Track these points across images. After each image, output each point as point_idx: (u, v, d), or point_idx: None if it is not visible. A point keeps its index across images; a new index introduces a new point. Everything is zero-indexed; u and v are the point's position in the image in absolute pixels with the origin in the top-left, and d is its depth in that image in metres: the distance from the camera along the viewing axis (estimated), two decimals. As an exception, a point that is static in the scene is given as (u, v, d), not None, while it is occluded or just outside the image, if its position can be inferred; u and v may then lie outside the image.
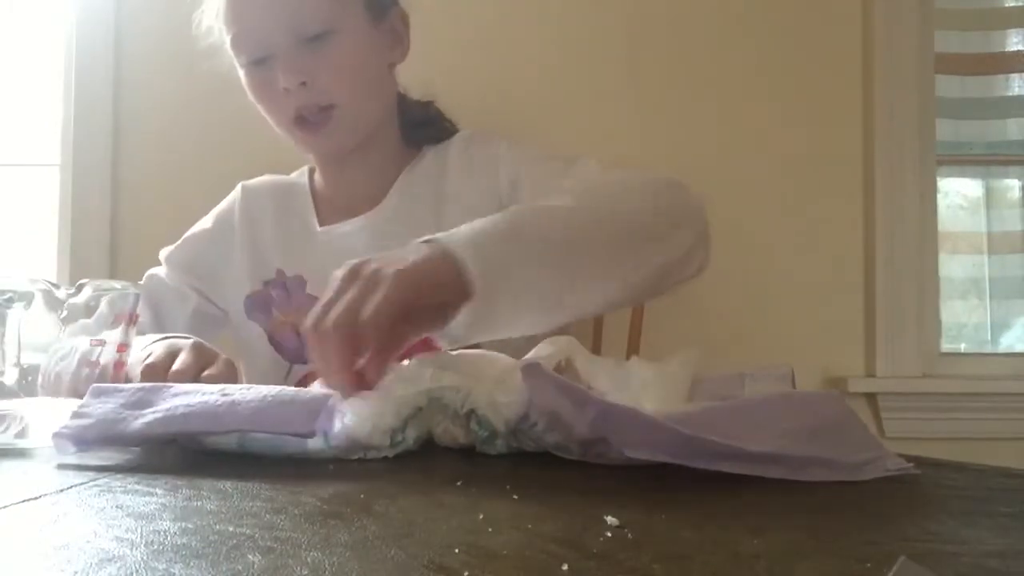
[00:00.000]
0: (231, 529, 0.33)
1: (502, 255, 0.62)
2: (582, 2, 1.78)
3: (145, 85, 1.75)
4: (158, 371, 0.74)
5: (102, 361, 0.63)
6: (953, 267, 1.86)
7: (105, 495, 0.40)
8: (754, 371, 0.64)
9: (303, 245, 1.03)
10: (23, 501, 0.39)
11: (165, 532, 0.32)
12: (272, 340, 1.02)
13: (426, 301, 0.59)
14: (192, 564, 0.28)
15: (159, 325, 1.02)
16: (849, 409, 0.53)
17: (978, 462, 0.53)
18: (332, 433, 0.51)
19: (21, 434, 0.57)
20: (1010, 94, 1.86)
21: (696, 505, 0.40)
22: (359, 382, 0.55)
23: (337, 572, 0.28)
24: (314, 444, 0.51)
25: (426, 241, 0.62)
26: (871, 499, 0.42)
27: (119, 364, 0.65)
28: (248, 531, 0.33)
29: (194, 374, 0.74)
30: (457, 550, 0.30)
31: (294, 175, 1.12)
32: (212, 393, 0.53)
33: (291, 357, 1.01)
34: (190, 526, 0.34)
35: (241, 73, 0.97)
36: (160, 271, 1.08)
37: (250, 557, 0.29)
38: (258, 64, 0.95)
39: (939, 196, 1.83)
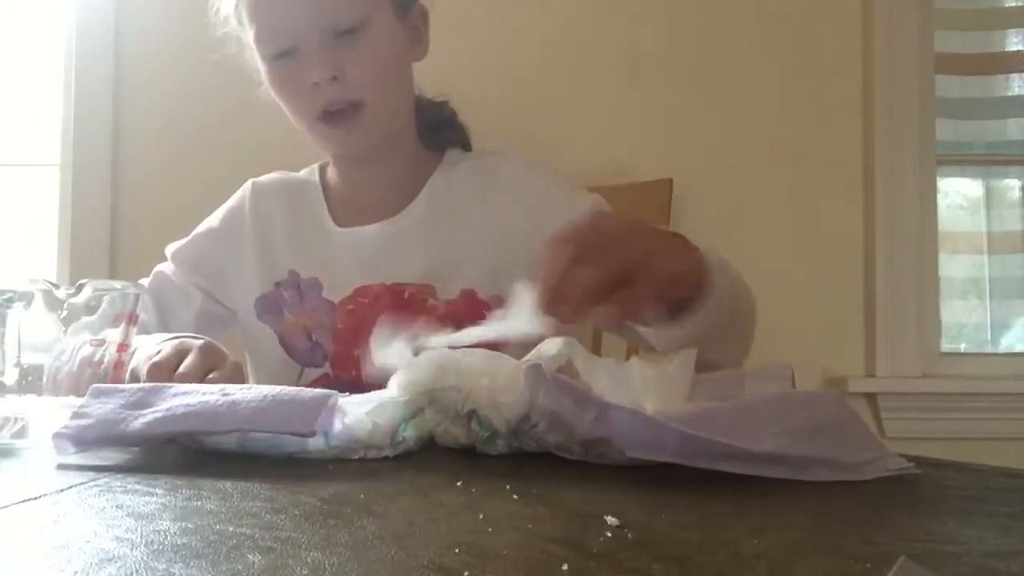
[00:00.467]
0: (231, 529, 0.33)
1: (718, 280, 0.68)
2: (583, 2, 1.78)
3: (145, 85, 1.75)
4: (164, 370, 0.74)
5: (102, 361, 0.63)
6: (953, 267, 1.86)
7: (105, 495, 0.40)
8: (754, 371, 0.64)
9: (318, 245, 1.01)
10: (23, 501, 0.39)
11: (165, 532, 0.32)
12: (283, 343, 1.00)
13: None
14: (192, 564, 0.28)
15: (164, 324, 1.00)
16: (850, 409, 0.53)
17: (978, 462, 0.53)
18: (332, 433, 0.51)
19: (21, 434, 0.57)
20: (1010, 94, 1.86)
21: (696, 505, 0.40)
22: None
23: (337, 572, 0.28)
24: (314, 444, 0.51)
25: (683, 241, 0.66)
26: (871, 499, 0.42)
27: (119, 364, 0.65)
28: (248, 531, 0.33)
29: (199, 378, 0.73)
30: (457, 550, 0.30)
31: (304, 173, 1.09)
32: (212, 393, 0.53)
33: (303, 360, 0.99)
34: (190, 526, 0.34)
35: (262, 66, 0.95)
36: (167, 268, 1.06)
37: (250, 557, 0.29)
38: (283, 57, 0.92)
39: (939, 196, 1.82)
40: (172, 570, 0.27)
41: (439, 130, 1.06)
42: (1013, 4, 1.90)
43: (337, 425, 0.51)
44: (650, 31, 1.77)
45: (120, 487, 0.42)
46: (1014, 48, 1.86)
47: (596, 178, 1.44)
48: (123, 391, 0.55)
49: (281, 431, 0.50)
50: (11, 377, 0.59)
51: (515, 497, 0.40)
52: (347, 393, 0.56)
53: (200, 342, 0.79)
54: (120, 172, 1.76)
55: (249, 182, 1.09)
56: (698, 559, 0.30)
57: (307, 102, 0.93)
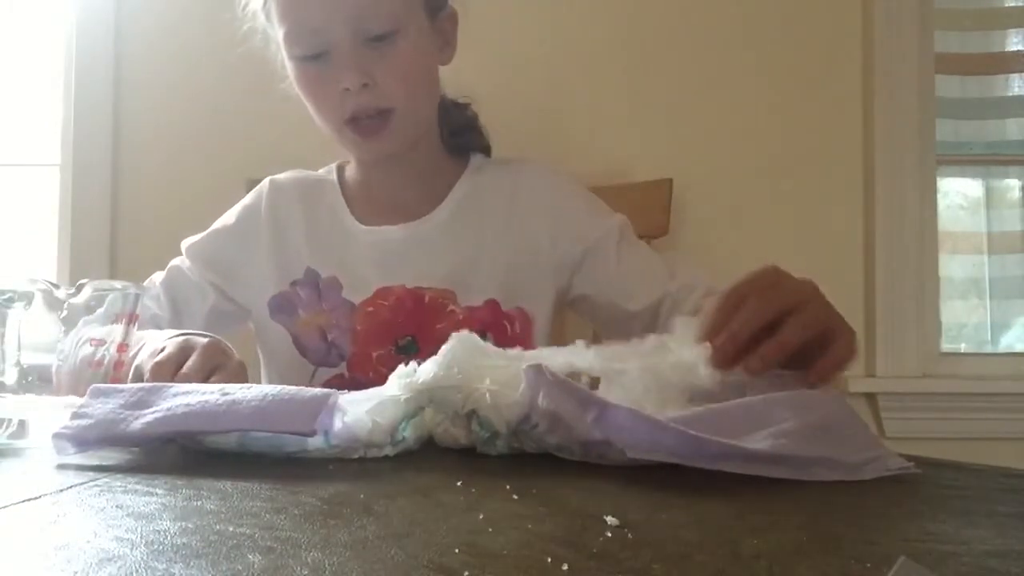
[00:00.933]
0: (231, 529, 0.33)
1: None
2: (582, 2, 1.78)
3: (145, 85, 1.75)
4: (167, 369, 0.74)
5: (102, 361, 0.63)
6: (953, 267, 1.86)
7: (105, 495, 0.40)
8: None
9: (338, 243, 1.00)
10: (23, 501, 0.39)
11: (165, 532, 0.32)
12: (297, 343, 1.00)
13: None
14: (192, 564, 0.28)
15: (177, 318, 1.00)
16: (850, 409, 0.53)
17: (978, 462, 0.53)
18: (333, 432, 0.51)
19: (21, 434, 0.57)
20: (1010, 94, 1.86)
21: (696, 505, 0.40)
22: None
23: (337, 572, 0.27)
24: (314, 443, 0.51)
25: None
26: (871, 499, 0.42)
27: (119, 364, 0.65)
28: (248, 531, 0.33)
29: (201, 378, 0.72)
30: (457, 550, 0.30)
31: (322, 171, 1.09)
32: (212, 393, 0.53)
33: (316, 360, 0.99)
34: (190, 526, 0.34)
35: (290, 65, 0.94)
36: (182, 263, 1.05)
37: (250, 557, 0.29)
38: (313, 59, 0.91)
39: (939, 196, 1.82)
40: (172, 570, 0.27)
41: (462, 133, 1.06)
42: (1013, 4, 1.90)
43: (337, 424, 0.51)
44: (650, 31, 1.77)
45: (120, 487, 0.42)
46: (1014, 48, 1.86)
47: (596, 178, 1.43)
48: (123, 391, 0.55)
49: (281, 431, 0.50)
50: (11, 377, 0.59)
51: (515, 497, 0.40)
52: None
53: (205, 340, 0.78)
54: (120, 172, 1.76)
55: (266, 180, 1.08)
56: (698, 559, 0.30)
57: (335, 107, 0.92)
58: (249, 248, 1.03)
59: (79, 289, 0.62)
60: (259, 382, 1.01)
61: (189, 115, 1.72)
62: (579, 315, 1.09)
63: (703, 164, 1.71)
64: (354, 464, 0.51)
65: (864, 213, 1.77)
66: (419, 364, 0.56)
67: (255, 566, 0.28)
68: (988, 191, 1.89)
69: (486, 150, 1.09)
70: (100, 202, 1.74)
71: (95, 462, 0.50)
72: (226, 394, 0.53)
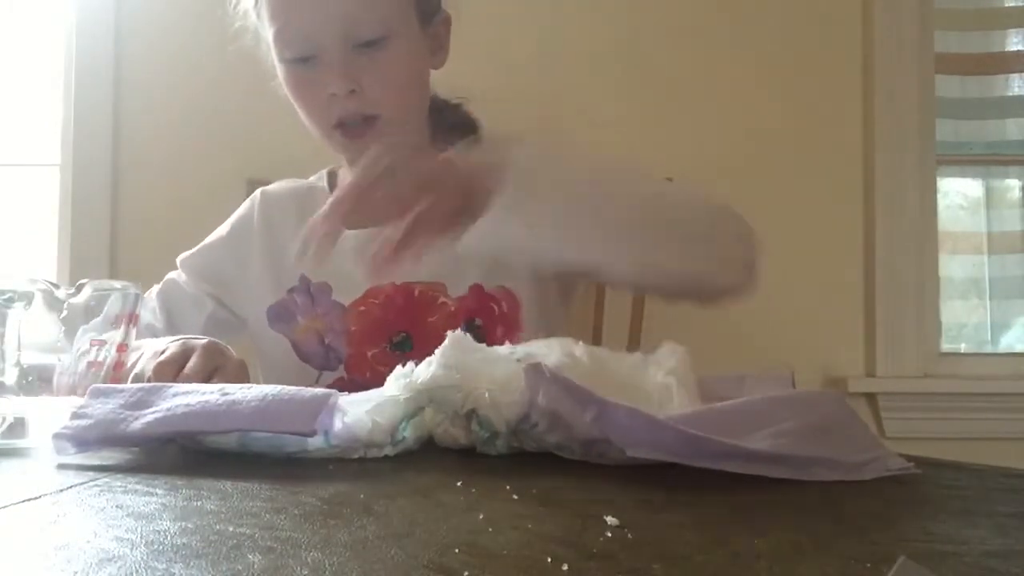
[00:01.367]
0: (231, 529, 0.33)
1: (541, 172, 0.68)
2: (582, 1, 1.78)
3: (145, 85, 1.75)
4: (170, 368, 0.74)
5: (101, 360, 0.63)
6: (953, 267, 1.86)
7: (105, 495, 0.40)
8: (754, 372, 0.64)
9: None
10: (23, 501, 0.39)
11: (165, 532, 0.32)
12: (297, 350, 1.00)
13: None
14: (192, 564, 0.28)
15: (173, 331, 0.99)
16: (850, 409, 0.53)
17: (978, 462, 0.53)
18: (333, 432, 0.51)
19: (21, 434, 0.57)
20: (1010, 94, 1.86)
21: (696, 505, 0.40)
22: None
23: (337, 572, 0.27)
24: (315, 443, 0.51)
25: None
26: (871, 499, 0.42)
27: (119, 364, 0.65)
28: (248, 531, 0.33)
29: (203, 379, 0.73)
30: (457, 550, 0.30)
31: (312, 179, 1.09)
32: (212, 393, 0.53)
33: (319, 364, 0.99)
34: (190, 526, 0.34)
35: (280, 68, 0.94)
36: (178, 276, 1.05)
37: (250, 557, 0.29)
38: (302, 63, 0.91)
39: (939, 196, 1.82)
40: (172, 570, 0.27)
41: (451, 131, 1.05)
42: (1013, 4, 1.90)
43: (337, 424, 0.51)
44: (650, 31, 1.77)
45: (120, 487, 0.42)
46: (1014, 48, 1.86)
47: (596, 178, 1.43)
48: (123, 391, 0.55)
49: (281, 431, 0.50)
50: (11, 377, 0.59)
51: (515, 497, 0.40)
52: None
53: (204, 341, 0.79)
54: (120, 172, 1.76)
55: (258, 191, 1.09)
56: (698, 559, 0.30)
57: (323, 111, 0.92)
58: (243, 259, 1.04)
59: (79, 289, 0.62)
60: None
61: (189, 115, 1.72)
62: (565, 284, 1.08)
63: (703, 164, 1.71)
64: (354, 464, 0.51)
65: (864, 213, 1.77)
66: (416, 362, 0.57)
67: (255, 566, 0.28)
68: (988, 191, 1.89)
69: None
70: (100, 202, 1.74)
71: (95, 462, 0.50)
72: (226, 394, 0.53)
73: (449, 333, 0.57)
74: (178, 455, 0.53)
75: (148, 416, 0.52)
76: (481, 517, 0.36)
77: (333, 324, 0.98)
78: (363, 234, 0.99)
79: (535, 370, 0.51)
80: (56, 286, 0.61)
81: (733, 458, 0.45)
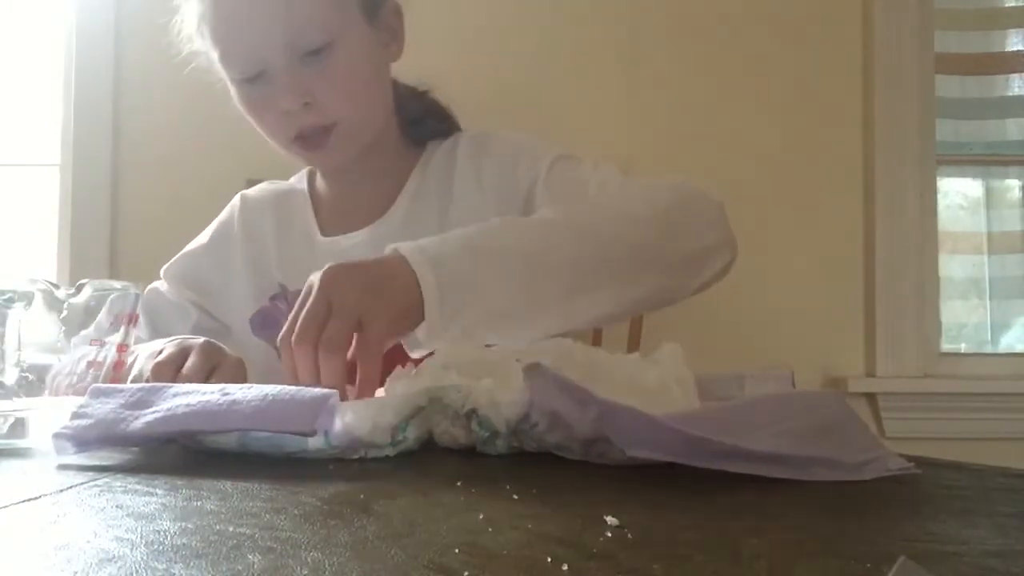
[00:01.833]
0: (231, 529, 0.33)
1: (464, 267, 0.66)
2: (583, 1, 1.78)
3: (145, 85, 1.75)
4: (168, 368, 0.74)
5: (101, 361, 0.63)
6: (953, 267, 1.86)
7: (105, 495, 0.40)
8: (754, 372, 0.64)
9: (305, 257, 0.99)
10: (23, 501, 0.39)
11: (165, 532, 0.32)
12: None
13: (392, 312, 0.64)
14: (192, 564, 0.28)
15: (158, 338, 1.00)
16: (850, 409, 0.53)
17: (978, 462, 0.53)
18: (333, 432, 0.51)
19: (21, 434, 0.57)
20: (1010, 94, 1.87)
21: (696, 505, 0.40)
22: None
23: (337, 572, 0.27)
24: (315, 443, 0.51)
25: (393, 249, 0.67)
26: (871, 499, 0.42)
27: (119, 364, 0.65)
28: (248, 531, 0.33)
29: (202, 378, 0.73)
30: (457, 550, 0.30)
31: (293, 180, 1.08)
32: (212, 393, 0.53)
33: None
34: (190, 526, 0.34)
35: (231, 88, 0.93)
36: (160, 286, 1.04)
37: (250, 557, 0.29)
38: (252, 81, 0.89)
39: (939, 196, 1.83)
40: (172, 570, 0.27)
41: (421, 122, 1.04)
42: (1013, 4, 1.90)
43: (337, 424, 0.51)
44: (650, 30, 1.77)
45: (120, 487, 0.42)
46: (1014, 48, 1.87)
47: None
48: (123, 391, 0.55)
49: (281, 431, 0.50)
50: (11, 377, 0.59)
51: (515, 497, 0.40)
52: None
53: (200, 341, 0.79)
54: (120, 172, 1.76)
55: (238, 196, 1.08)
56: (698, 559, 0.30)
57: (279, 127, 0.91)
58: (225, 266, 1.03)
59: (79, 289, 0.62)
60: None
61: (189, 115, 1.72)
62: None
63: (702, 164, 1.71)
64: (354, 464, 0.51)
65: (864, 213, 1.77)
66: (415, 364, 0.57)
67: (255, 566, 0.28)
68: (988, 191, 1.89)
69: (446, 134, 1.05)
70: (100, 202, 1.74)
71: (95, 462, 0.50)
72: (226, 394, 0.53)
73: None
74: (178, 455, 0.53)
75: (148, 416, 0.52)
76: (481, 517, 0.36)
77: None
78: (344, 240, 0.98)
79: (535, 370, 0.51)
80: (56, 286, 0.61)
81: (733, 458, 0.45)
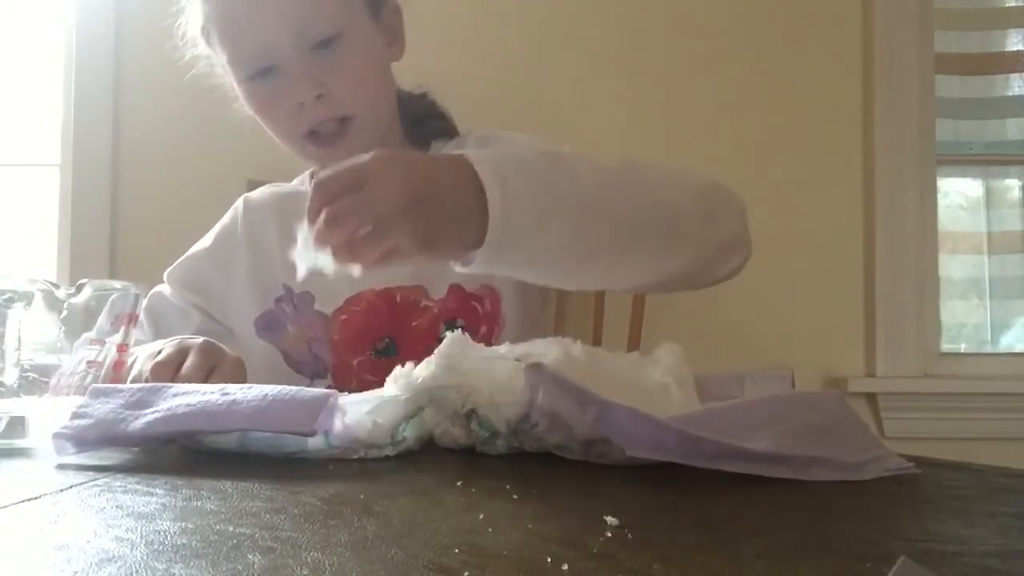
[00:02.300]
0: (231, 529, 0.33)
1: (531, 191, 0.61)
2: (583, 1, 1.78)
3: (145, 85, 1.75)
4: (167, 368, 0.74)
5: (101, 360, 0.63)
6: (953, 267, 1.86)
7: (105, 495, 0.40)
8: (754, 372, 0.64)
9: None
10: (23, 501, 0.39)
11: (165, 532, 0.32)
12: (288, 359, 0.99)
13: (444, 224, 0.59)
14: (192, 564, 0.28)
15: None
16: (850, 409, 0.53)
17: (978, 462, 0.53)
18: (333, 432, 0.51)
19: (21, 434, 0.57)
20: (1010, 94, 1.87)
21: (696, 505, 0.40)
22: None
23: (337, 572, 0.27)
24: (315, 443, 0.51)
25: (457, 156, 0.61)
26: (871, 499, 0.42)
27: (119, 364, 0.65)
28: (248, 531, 0.33)
29: (201, 377, 0.73)
30: (457, 550, 0.30)
31: (296, 182, 1.08)
32: (212, 393, 0.53)
33: (310, 373, 0.99)
34: (190, 526, 0.34)
35: (239, 88, 0.92)
36: (164, 289, 1.04)
37: (250, 557, 0.29)
38: (261, 77, 0.89)
39: (939, 196, 1.83)
40: (172, 570, 0.27)
41: (423, 122, 1.04)
42: (1013, 4, 1.90)
43: (337, 425, 0.51)
44: (650, 30, 1.77)
45: (120, 487, 0.42)
46: (1014, 48, 1.86)
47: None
48: (123, 391, 0.55)
49: (281, 431, 0.50)
50: (11, 377, 0.59)
51: (515, 497, 0.40)
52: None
53: (200, 340, 0.79)
54: (120, 172, 1.76)
55: (241, 199, 1.08)
56: (698, 559, 0.30)
57: (292, 123, 0.90)
58: (228, 270, 1.03)
59: (79, 289, 0.62)
60: None
61: (189, 115, 1.72)
62: None
63: (702, 164, 1.71)
64: (354, 464, 0.51)
65: (864, 213, 1.77)
66: (403, 365, 0.57)
67: (255, 566, 0.28)
68: (988, 191, 1.89)
69: (448, 134, 1.05)
70: (100, 202, 1.74)
71: (95, 462, 0.50)
72: (226, 394, 0.53)
73: (448, 335, 0.57)
74: (178, 455, 0.53)
75: (148, 416, 0.52)
76: (481, 517, 0.36)
77: (317, 334, 0.97)
78: None
79: (535, 370, 0.51)
80: (56, 286, 0.61)
81: (733, 458, 0.45)
